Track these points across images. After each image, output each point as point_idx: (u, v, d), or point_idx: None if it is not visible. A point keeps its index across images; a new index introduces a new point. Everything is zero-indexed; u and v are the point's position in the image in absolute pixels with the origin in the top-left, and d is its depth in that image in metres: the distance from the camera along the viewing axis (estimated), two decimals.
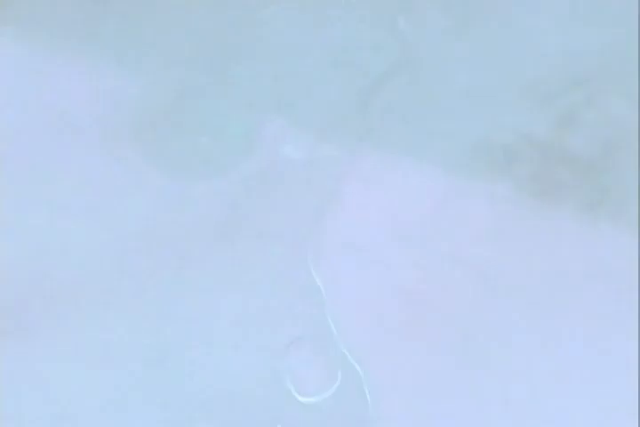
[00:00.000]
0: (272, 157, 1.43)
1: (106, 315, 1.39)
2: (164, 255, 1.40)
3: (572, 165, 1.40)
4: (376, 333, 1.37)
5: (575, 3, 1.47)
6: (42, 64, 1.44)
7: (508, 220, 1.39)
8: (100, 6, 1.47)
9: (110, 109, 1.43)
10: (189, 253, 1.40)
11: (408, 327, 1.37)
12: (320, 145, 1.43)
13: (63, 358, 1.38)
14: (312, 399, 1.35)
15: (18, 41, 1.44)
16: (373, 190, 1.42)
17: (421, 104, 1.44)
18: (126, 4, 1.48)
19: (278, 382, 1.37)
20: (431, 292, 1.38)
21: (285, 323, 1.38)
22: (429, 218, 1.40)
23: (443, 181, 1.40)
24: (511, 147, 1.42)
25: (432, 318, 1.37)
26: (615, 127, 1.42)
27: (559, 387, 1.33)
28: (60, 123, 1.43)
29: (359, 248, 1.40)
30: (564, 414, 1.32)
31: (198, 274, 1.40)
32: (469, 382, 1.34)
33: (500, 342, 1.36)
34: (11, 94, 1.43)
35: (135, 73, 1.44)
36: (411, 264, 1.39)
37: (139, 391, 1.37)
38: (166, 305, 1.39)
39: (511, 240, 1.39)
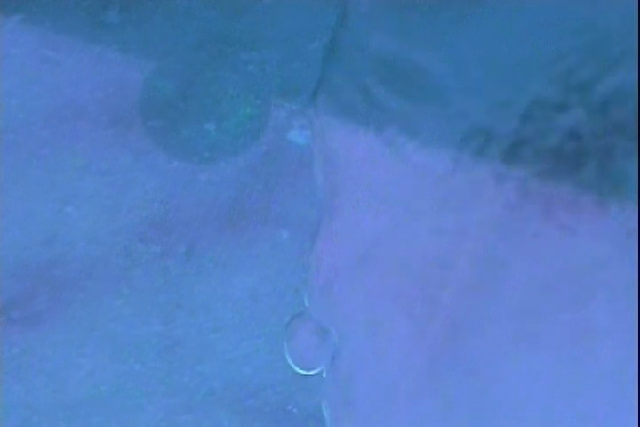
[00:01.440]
0: (278, 143, 1.44)
1: (115, 302, 1.39)
2: (171, 242, 1.41)
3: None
4: (374, 316, 1.38)
5: None
6: (48, 52, 1.44)
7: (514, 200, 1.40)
8: None
9: (117, 96, 1.44)
10: (197, 239, 1.41)
11: (408, 311, 1.37)
12: (326, 130, 1.44)
13: (72, 346, 1.38)
14: (311, 372, 1.36)
15: (24, 29, 1.44)
16: (379, 173, 1.42)
17: (423, 88, 1.44)
18: None
19: (288, 366, 1.37)
20: (435, 273, 1.38)
21: (294, 307, 1.39)
22: (433, 196, 1.40)
23: (448, 160, 1.40)
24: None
25: (436, 299, 1.37)
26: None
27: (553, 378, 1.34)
28: (67, 110, 1.43)
29: (365, 232, 1.41)
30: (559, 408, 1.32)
31: (206, 260, 1.40)
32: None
33: (495, 333, 1.36)
34: (18, 83, 1.44)
35: (141, 60, 1.45)
36: (415, 247, 1.39)
37: (149, 378, 1.37)
38: (175, 292, 1.39)
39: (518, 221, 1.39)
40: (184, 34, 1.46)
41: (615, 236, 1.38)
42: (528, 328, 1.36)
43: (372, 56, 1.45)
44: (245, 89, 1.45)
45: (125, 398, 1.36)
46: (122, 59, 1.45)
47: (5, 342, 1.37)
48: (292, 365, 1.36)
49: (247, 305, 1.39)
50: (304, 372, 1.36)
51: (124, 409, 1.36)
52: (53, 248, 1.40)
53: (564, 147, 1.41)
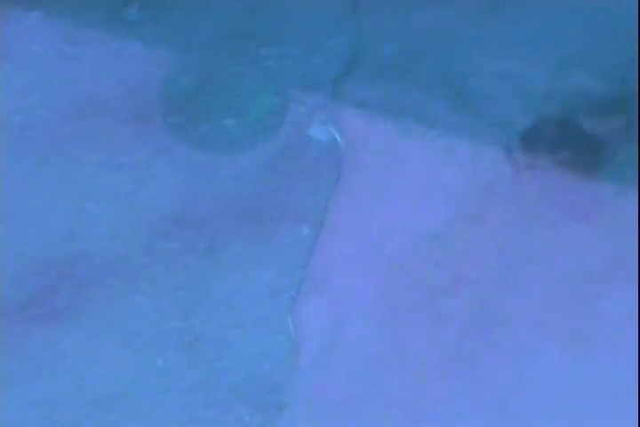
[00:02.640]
0: (298, 138, 1.43)
1: (135, 299, 1.39)
2: (192, 238, 1.41)
3: None
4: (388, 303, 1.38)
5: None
6: (68, 48, 1.45)
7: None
8: None
9: (137, 92, 1.44)
10: (217, 234, 1.40)
11: (428, 301, 1.37)
12: (346, 125, 1.43)
13: (93, 342, 1.38)
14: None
15: (46, 25, 1.44)
16: (397, 160, 1.42)
17: (445, 82, 1.44)
18: None
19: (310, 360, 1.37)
20: (454, 262, 1.38)
21: (316, 300, 1.39)
22: (452, 184, 1.40)
23: (466, 149, 1.40)
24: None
25: (457, 289, 1.37)
26: None
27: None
28: (87, 106, 1.44)
29: (381, 219, 1.41)
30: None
31: (226, 255, 1.40)
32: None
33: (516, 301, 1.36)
34: (38, 79, 1.44)
35: (161, 56, 1.45)
36: (433, 234, 1.39)
37: (170, 374, 1.37)
38: (195, 288, 1.39)
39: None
40: (203, 30, 1.46)
41: (633, 224, 1.37)
42: (550, 316, 1.35)
43: (390, 46, 1.45)
44: (265, 84, 1.45)
45: (146, 394, 1.36)
46: (141, 55, 1.45)
47: (27, 339, 1.38)
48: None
49: (267, 301, 1.39)
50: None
51: (145, 405, 1.36)
52: (74, 245, 1.41)
53: (584, 138, 1.41)
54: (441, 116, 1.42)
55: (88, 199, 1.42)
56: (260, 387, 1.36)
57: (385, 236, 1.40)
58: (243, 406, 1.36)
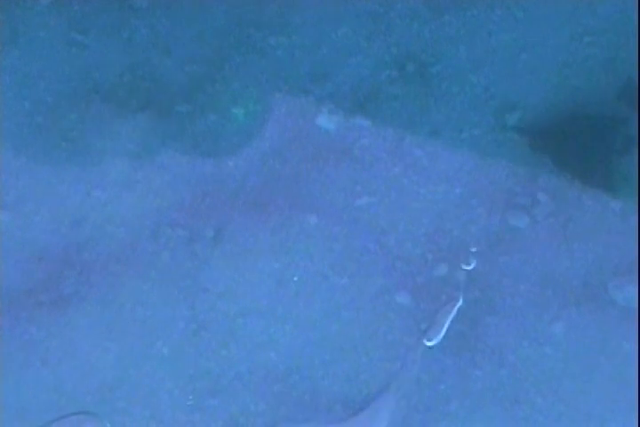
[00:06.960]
0: (306, 128, 1.43)
1: (142, 286, 1.39)
2: (199, 226, 1.40)
3: None
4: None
5: None
6: (77, 35, 1.44)
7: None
8: None
9: (145, 80, 1.43)
10: (224, 224, 1.41)
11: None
12: (354, 115, 1.43)
13: (100, 329, 1.38)
14: None
15: (54, 12, 1.44)
16: (404, 162, 1.42)
17: (456, 77, 1.44)
18: None
19: (315, 351, 1.37)
20: (447, 252, 1.38)
21: (321, 292, 1.39)
22: (437, 178, 1.40)
23: (466, 147, 1.40)
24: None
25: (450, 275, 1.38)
26: None
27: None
28: (95, 94, 1.43)
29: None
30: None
31: (234, 245, 1.40)
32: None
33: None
34: (46, 66, 1.43)
35: (169, 44, 1.44)
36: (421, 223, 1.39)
37: (176, 362, 1.37)
38: (202, 276, 1.39)
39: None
40: (213, 18, 1.45)
41: (623, 223, 1.38)
42: (554, 303, 1.35)
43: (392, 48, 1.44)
44: (274, 74, 1.44)
45: (152, 381, 1.36)
46: (150, 43, 1.44)
47: (33, 325, 1.38)
48: None
49: (274, 290, 1.39)
50: None
51: (151, 393, 1.36)
52: (81, 232, 1.40)
53: (573, 139, 1.41)
54: (428, 118, 1.43)
55: (95, 186, 1.41)
56: (266, 376, 1.37)
57: (385, 229, 1.40)
58: (248, 395, 1.36)
